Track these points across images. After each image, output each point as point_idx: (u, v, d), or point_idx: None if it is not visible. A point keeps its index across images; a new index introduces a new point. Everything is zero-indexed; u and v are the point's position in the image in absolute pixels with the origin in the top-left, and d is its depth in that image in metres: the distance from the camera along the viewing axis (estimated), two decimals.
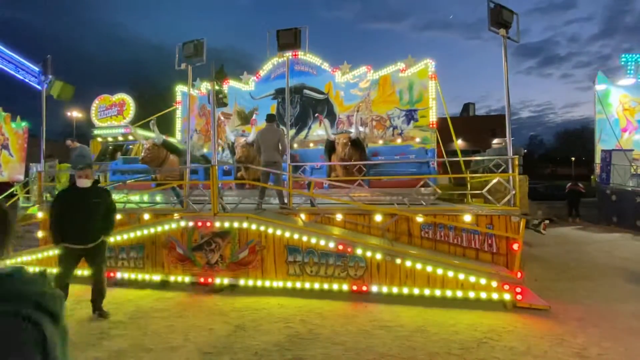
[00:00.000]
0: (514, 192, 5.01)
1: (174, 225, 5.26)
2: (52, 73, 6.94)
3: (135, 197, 7.08)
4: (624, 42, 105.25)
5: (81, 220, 3.85)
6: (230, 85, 11.08)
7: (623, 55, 13.37)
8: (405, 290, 4.48)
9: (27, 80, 8.33)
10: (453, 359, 3.01)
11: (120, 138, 10.71)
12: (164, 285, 5.23)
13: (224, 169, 7.78)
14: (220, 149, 8.46)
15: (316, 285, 4.76)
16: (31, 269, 0.77)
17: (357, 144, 6.69)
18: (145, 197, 7.39)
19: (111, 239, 5.43)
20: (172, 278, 5.27)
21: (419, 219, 5.04)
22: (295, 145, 10.26)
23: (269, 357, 3.11)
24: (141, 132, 9.96)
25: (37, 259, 5.74)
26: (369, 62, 10.77)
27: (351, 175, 6.48)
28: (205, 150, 10.58)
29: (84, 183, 3.94)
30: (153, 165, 6.72)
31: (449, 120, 9.70)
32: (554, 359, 3.00)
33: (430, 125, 9.87)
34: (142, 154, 6.72)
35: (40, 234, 6.25)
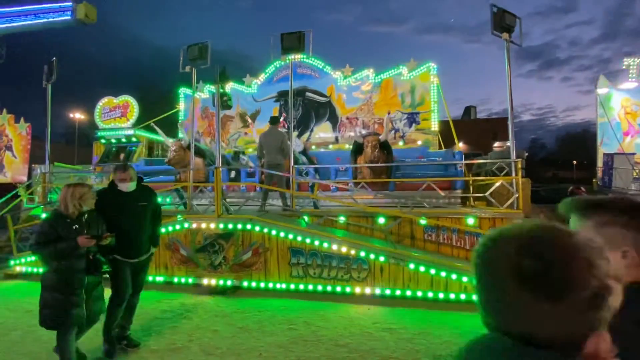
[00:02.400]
0: (517, 195, 5.03)
1: (177, 227, 5.28)
2: (57, 75, 7.00)
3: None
4: (625, 46, 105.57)
5: (132, 229, 3.17)
6: (232, 87, 11.15)
7: (625, 59, 13.40)
8: (409, 293, 4.49)
9: (53, 19, 8.12)
10: None
11: (123, 140, 10.76)
12: (167, 286, 5.25)
13: (247, 171, 7.82)
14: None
15: (319, 287, 4.77)
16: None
17: (385, 147, 6.65)
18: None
19: None
20: (175, 279, 5.29)
21: (422, 221, 5.06)
22: (313, 147, 10.28)
23: (273, 358, 3.12)
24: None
25: None
26: (370, 65, 10.84)
27: (378, 177, 6.47)
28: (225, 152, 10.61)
29: (128, 187, 3.20)
30: (179, 166, 6.74)
31: (451, 123, 9.74)
32: None
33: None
34: (169, 155, 6.76)
35: None
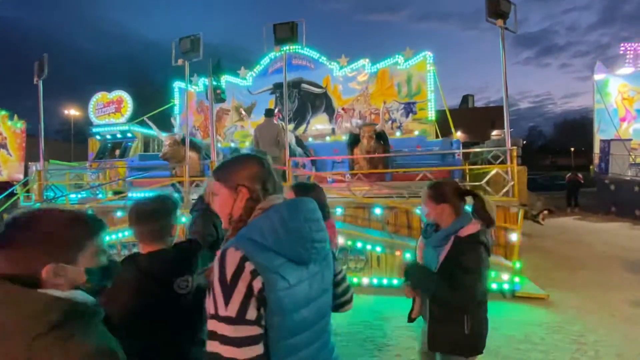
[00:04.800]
0: (512, 183, 5.04)
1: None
2: (49, 71, 6.91)
3: (139, 194, 7.11)
4: (623, 31, 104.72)
5: None
6: (227, 80, 11.05)
7: (622, 44, 13.31)
8: None
9: None
10: None
11: (119, 135, 10.69)
12: None
13: None
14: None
15: None
16: None
17: (381, 137, 6.60)
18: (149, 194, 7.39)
19: (113, 236, 5.49)
20: None
21: (418, 211, 5.07)
22: (310, 139, 10.25)
23: None
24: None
25: None
26: (366, 55, 10.76)
27: (375, 168, 6.41)
28: (221, 145, 10.55)
29: None
30: (173, 161, 6.68)
31: (447, 112, 9.70)
32: (551, 346, 3.06)
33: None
34: (163, 150, 6.68)
35: None
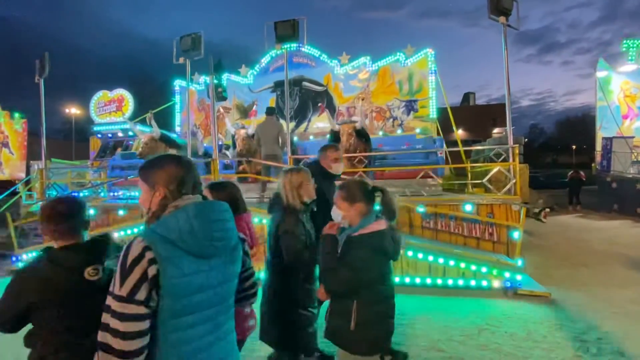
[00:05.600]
0: (514, 181, 5.03)
1: None
2: (50, 70, 6.91)
3: (135, 193, 7.12)
4: (625, 28, 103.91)
5: None
6: (228, 78, 11.04)
7: (624, 41, 13.22)
8: (407, 280, 4.53)
9: None
10: (454, 346, 3.07)
11: (120, 134, 10.70)
12: None
13: (224, 163, 7.78)
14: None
15: None
16: None
17: (361, 134, 6.60)
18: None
19: (115, 234, 5.50)
20: None
21: (420, 209, 5.07)
22: (295, 138, 10.26)
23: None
24: (141, 128, 9.94)
25: None
26: (367, 52, 10.73)
27: (355, 166, 6.41)
28: (205, 144, 10.59)
29: (339, 168, 2.69)
30: None
31: (449, 110, 9.67)
32: (553, 344, 3.05)
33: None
34: (140, 148, 6.71)
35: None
